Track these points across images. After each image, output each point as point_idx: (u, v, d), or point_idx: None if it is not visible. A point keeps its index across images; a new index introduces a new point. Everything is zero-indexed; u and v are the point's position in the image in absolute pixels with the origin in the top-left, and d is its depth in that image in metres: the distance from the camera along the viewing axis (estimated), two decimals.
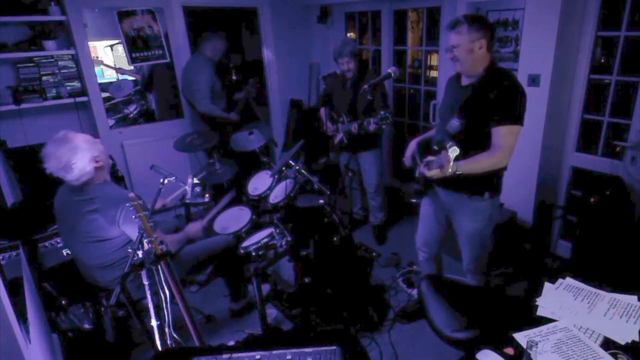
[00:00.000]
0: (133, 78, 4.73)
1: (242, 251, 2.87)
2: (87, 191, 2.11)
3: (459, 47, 1.98)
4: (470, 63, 2.01)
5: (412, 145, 2.36)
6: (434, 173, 1.85)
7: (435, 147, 2.11)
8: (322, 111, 3.46)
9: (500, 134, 1.95)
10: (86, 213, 2.09)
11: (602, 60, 2.88)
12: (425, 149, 2.28)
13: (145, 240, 1.79)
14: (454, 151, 1.66)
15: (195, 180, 2.78)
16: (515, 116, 1.96)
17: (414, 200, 2.34)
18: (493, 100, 1.94)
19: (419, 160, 2.27)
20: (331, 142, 3.48)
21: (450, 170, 1.72)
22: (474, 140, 2.00)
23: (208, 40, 3.77)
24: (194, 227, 2.53)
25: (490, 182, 2.09)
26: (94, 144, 2.11)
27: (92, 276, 2.30)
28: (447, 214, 2.35)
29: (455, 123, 2.03)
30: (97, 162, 2.09)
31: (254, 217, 3.15)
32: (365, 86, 2.32)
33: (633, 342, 1.36)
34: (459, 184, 2.06)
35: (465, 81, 2.11)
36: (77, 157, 2.02)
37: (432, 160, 1.86)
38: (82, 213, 2.10)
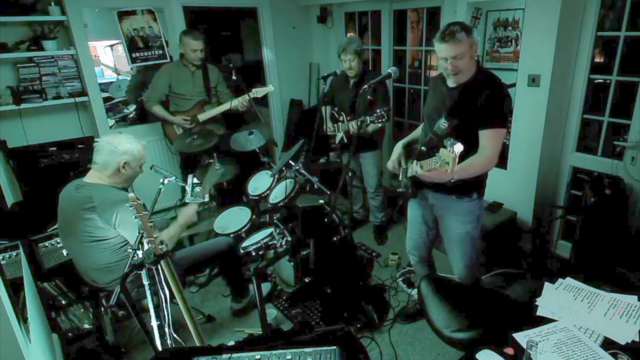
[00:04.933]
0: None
1: (242, 251, 2.88)
2: (88, 188, 2.15)
3: (462, 57, 1.92)
4: (468, 70, 1.99)
5: (399, 148, 2.30)
6: (432, 175, 1.84)
7: (423, 149, 2.08)
8: (323, 111, 3.46)
9: (489, 136, 1.97)
10: (83, 211, 2.11)
11: (602, 60, 2.88)
12: (410, 151, 2.26)
13: (145, 240, 1.79)
14: (458, 147, 1.63)
15: (195, 180, 2.79)
16: (503, 119, 1.98)
17: (400, 190, 2.31)
18: (482, 103, 1.94)
19: (404, 164, 2.25)
20: (332, 142, 3.48)
21: (454, 169, 1.67)
22: (461, 141, 2.02)
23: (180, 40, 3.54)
24: (187, 212, 2.37)
25: (477, 183, 2.11)
26: (118, 161, 2.19)
27: (90, 277, 2.30)
28: (436, 216, 2.33)
29: (443, 124, 2.01)
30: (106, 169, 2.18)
31: (254, 217, 3.16)
32: (366, 86, 2.31)
33: (633, 342, 1.36)
34: (447, 185, 2.04)
35: (452, 83, 2.08)
36: (104, 150, 2.18)
37: (429, 160, 1.84)
38: (80, 211, 2.11)
